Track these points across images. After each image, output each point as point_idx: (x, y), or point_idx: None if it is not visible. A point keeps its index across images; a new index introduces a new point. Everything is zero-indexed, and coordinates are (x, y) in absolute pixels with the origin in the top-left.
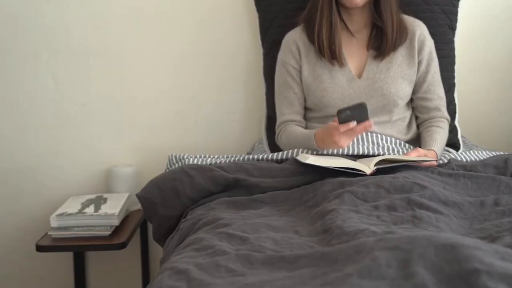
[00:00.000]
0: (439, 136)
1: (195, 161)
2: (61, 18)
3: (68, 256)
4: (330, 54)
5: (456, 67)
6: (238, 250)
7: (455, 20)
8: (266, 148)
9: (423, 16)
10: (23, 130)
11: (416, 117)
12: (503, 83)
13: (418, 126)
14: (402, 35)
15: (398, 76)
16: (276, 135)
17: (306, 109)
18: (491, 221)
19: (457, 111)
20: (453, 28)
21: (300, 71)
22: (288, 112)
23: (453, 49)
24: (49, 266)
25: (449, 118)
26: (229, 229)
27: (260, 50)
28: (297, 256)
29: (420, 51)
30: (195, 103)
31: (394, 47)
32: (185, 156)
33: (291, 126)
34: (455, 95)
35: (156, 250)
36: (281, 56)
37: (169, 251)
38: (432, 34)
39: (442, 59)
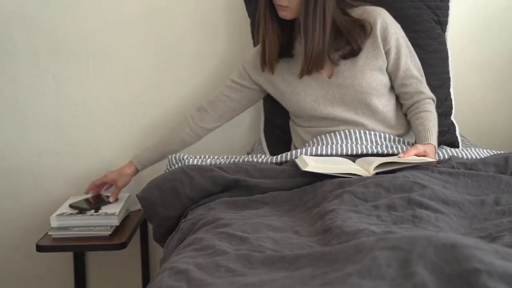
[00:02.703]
0: (431, 123)
1: (195, 162)
2: (61, 18)
3: (68, 256)
4: (262, 60)
5: (456, 67)
6: (238, 250)
7: (445, 15)
8: (265, 149)
9: (408, 13)
10: (23, 130)
11: (402, 105)
12: (504, 83)
13: (406, 114)
14: (356, 37)
15: (366, 68)
16: (198, 107)
17: (290, 114)
18: (491, 221)
19: (453, 106)
20: (441, 23)
21: (256, 80)
22: (209, 101)
23: (443, 43)
24: (49, 266)
25: (434, 97)
26: (229, 229)
27: None
28: (297, 256)
29: (385, 39)
30: (195, 103)
31: (358, 50)
32: (185, 157)
33: (182, 127)
34: (451, 90)
35: (156, 250)
36: (245, 58)
37: (169, 251)
38: (418, 31)
39: (431, 54)
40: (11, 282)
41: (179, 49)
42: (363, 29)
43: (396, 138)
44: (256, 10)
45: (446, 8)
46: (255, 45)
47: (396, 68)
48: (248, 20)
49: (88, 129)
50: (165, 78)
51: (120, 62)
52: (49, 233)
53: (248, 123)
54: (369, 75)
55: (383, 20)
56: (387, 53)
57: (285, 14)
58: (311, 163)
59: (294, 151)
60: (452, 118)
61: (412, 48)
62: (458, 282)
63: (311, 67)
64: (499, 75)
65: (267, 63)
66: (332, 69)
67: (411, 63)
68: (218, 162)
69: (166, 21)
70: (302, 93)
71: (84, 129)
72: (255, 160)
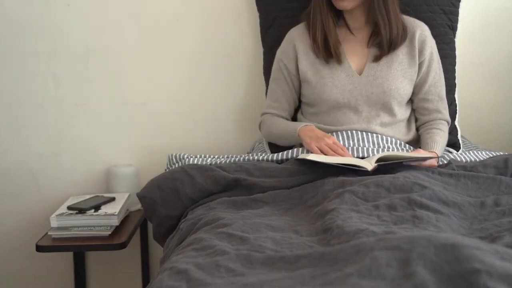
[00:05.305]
0: (439, 138)
1: (195, 161)
2: (61, 18)
3: (68, 256)
4: (325, 53)
5: (457, 68)
6: (238, 250)
7: (456, 21)
8: (266, 147)
9: (424, 16)
10: (23, 130)
11: (416, 119)
12: (504, 84)
13: (418, 128)
14: (402, 35)
15: (399, 74)
16: (259, 123)
17: (303, 104)
18: (491, 221)
19: (457, 111)
20: (453, 28)
21: (294, 70)
22: (275, 107)
23: (453, 49)
24: (49, 266)
25: (449, 120)
26: (229, 229)
27: (260, 50)
28: (297, 256)
29: (421, 51)
30: (195, 103)
31: (393, 47)
32: (185, 156)
33: (274, 117)
34: (456, 95)
35: (156, 250)
36: (278, 51)
37: (169, 251)
38: (433, 35)
39: (443, 59)
40: (11, 282)
41: (180, 49)
42: (403, 32)
43: (398, 141)
44: (267, 5)
45: (457, 13)
46: (262, 40)
47: (424, 82)
48: (253, 19)
49: (88, 129)
50: (165, 78)
51: (120, 62)
52: (49, 233)
53: (249, 122)
54: (400, 81)
55: (422, 32)
56: (419, 65)
57: (346, 4)
58: (312, 155)
59: (295, 149)
60: (456, 123)
61: (441, 66)
62: (458, 282)
63: (391, 45)
64: (499, 76)
65: (333, 53)
66: (364, 65)
67: (438, 80)
68: (218, 162)
69: (166, 21)
70: (329, 84)
71: (84, 129)
72: (255, 158)
